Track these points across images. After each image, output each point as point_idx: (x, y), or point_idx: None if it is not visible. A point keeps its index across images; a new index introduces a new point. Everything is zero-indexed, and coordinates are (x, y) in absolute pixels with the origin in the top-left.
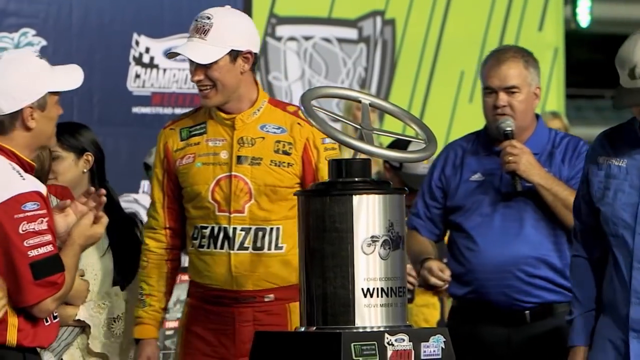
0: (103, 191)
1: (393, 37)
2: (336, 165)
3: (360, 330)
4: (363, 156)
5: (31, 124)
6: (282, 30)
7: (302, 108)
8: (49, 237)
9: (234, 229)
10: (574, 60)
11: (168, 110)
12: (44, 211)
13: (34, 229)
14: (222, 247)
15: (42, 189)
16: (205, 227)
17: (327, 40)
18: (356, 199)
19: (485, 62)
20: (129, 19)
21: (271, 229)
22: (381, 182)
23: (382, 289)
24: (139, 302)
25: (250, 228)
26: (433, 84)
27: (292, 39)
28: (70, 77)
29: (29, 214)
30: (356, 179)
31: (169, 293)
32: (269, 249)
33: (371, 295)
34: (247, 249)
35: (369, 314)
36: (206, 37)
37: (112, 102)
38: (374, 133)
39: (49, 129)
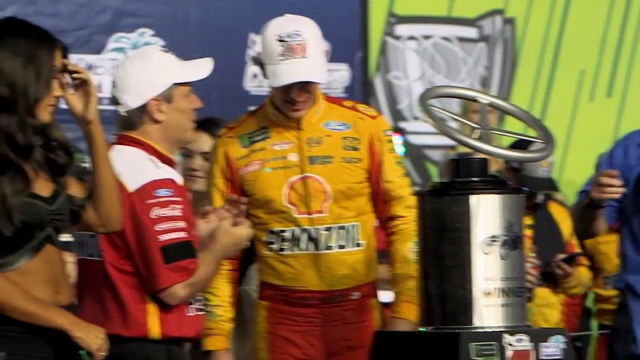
0: (244, 199)
1: (513, 36)
2: (454, 165)
3: (479, 330)
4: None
5: (159, 116)
6: (402, 30)
7: (421, 107)
8: (181, 224)
9: (317, 229)
10: None
11: None
12: (178, 198)
13: (165, 214)
14: (307, 249)
15: (177, 177)
16: (284, 231)
17: (447, 39)
18: (474, 198)
19: None
20: (247, 19)
21: (351, 226)
22: (500, 182)
23: (501, 289)
24: (207, 313)
25: (332, 227)
26: (554, 83)
27: (411, 38)
28: (196, 68)
29: (161, 199)
30: (474, 179)
31: (234, 303)
32: (351, 246)
33: (490, 295)
34: (332, 248)
35: (488, 314)
36: (306, 54)
37: (229, 101)
38: (492, 133)
39: (182, 122)
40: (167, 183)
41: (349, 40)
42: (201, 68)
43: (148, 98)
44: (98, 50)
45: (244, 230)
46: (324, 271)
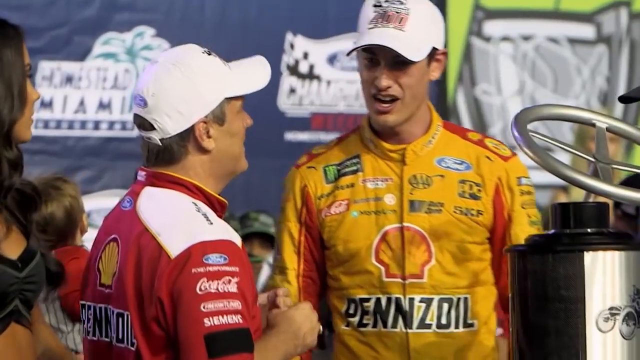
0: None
1: None
2: (562, 212)
3: None
4: (599, 199)
5: (208, 144)
6: (492, 28)
7: (516, 134)
8: (236, 304)
9: (411, 300)
10: None
11: (333, 137)
12: (234, 268)
13: (217, 289)
14: (394, 326)
15: (236, 239)
16: (367, 300)
17: (554, 40)
18: (589, 256)
19: None
20: (282, 14)
21: (458, 299)
22: (624, 235)
23: None
24: None
25: (432, 299)
26: None
27: (506, 38)
28: (251, 74)
29: (211, 269)
30: (589, 230)
31: None
32: (457, 326)
33: None
34: (429, 327)
35: None
36: (404, 26)
37: (259, 125)
38: (613, 168)
39: (235, 148)
40: (222, 246)
41: None
42: (257, 73)
43: (195, 120)
44: (81, 55)
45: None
46: (413, 356)
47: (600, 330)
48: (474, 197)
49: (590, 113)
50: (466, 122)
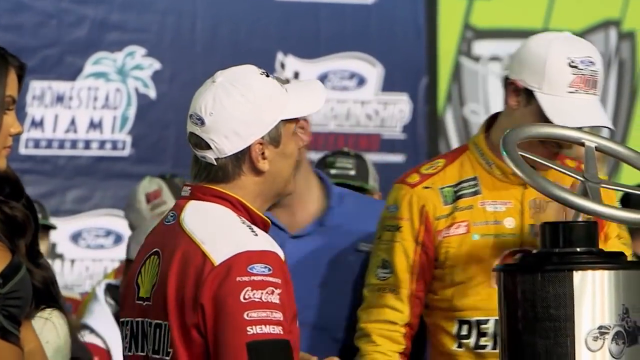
0: None
1: (632, 54)
2: (551, 231)
3: None
4: (587, 218)
5: (263, 165)
6: (482, 48)
7: (504, 153)
8: (279, 316)
9: None
10: None
11: (321, 156)
12: (277, 280)
13: (260, 298)
14: None
15: (280, 252)
16: (485, 322)
17: None
18: (578, 275)
19: None
20: (273, 34)
21: None
22: (613, 254)
23: None
24: None
25: None
26: None
27: (495, 58)
28: (308, 97)
29: (255, 278)
30: (578, 249)
31: None
32: None
33: None
34: None
35: None
36: (597, 91)
37: None
38: (602, 187)
39: (286, 170)
40: (266, 257)
41: (410, 62)
42: (314, 96)
43: (252, 141)
44: (72, 75)
45: None
46: None
47: (589, 349)
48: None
49: (579, 132)
50: (454, 141)
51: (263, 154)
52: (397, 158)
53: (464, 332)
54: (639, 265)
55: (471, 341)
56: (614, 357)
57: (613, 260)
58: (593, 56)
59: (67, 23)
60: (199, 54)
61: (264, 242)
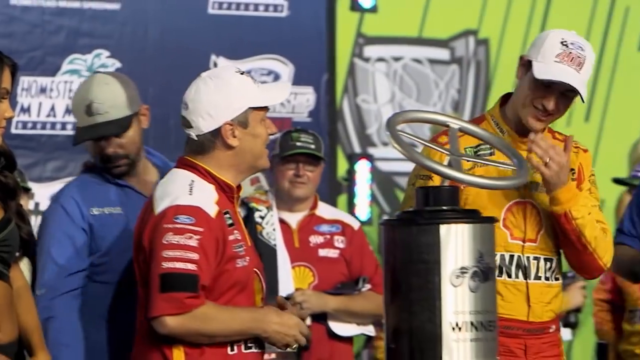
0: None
1: (487, 57)
2: (423, 193)
3: None
4: (452, 183)
5: (232, 142)
6: (371, 51)
7: (388, 133)
8: (193, 256)
9: (528, 258)
10: None
11: None
12: (199, 229)
13: (177, 241)
14: (517, 277)
15: (209, 208)
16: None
17: (418, 61)
18: (444, 228)
19: None
20: (208, 39)
21: (555, 259)
22: (470, 211)
23: (471, 322)
24: None
25: (539, 257)
26: None
27: (381, 59)
28: (274, 92)
29: (178, 226)
30: (444, 208)
31: None
32: (552, 279)
33: (460, 330)
34: (540, 278)
35: (458, 349)
36: (580, 70)
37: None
38: (463, 159)
39: (256, 148)
40: (192, 210)
41: (315, 62)
42: (278, 92)
43: (222, 122)
44: (52, 72)
45: (299, 330)
46: (532, 301)
47: (453, 285)
48: (572, 180)
49: (446, 117)
50: (350, 125)
51: (233, 133)
52: None
53: None
54: (491, 220)
55: None
56: (472, 291)
57: (471, 216)
58: (584, 46)
59: (48, 31)
60: (150, 56)
61: (195, 200)
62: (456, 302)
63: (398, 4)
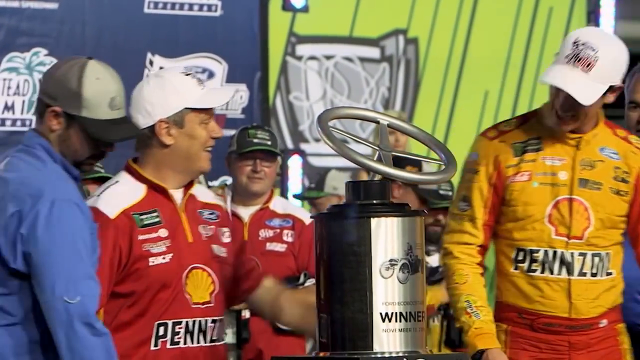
0: None
1: (416, 56)
2: (354, 187)
3: (379, 355)
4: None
5: (167, 140)
6: (303, 50)
7: (319, 129)
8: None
9: (572, 254)
10: None
11: None
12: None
13: None
14: (559, 273)
15: (110, 210)
16: (537, 251)
17: (349, 59)
18: (374, 221)
19: (631, 75)
20: (144, 38)
21: (605, 254)
22: (400, 205)
23: (400, 313)
24: (469, 315)
25: (586, 253)
26: (457, 103)
27: (313, 58)
28: (213, 96)
29: None
30: (374, 202)
31: None
32: (602, 275)
33: (389, 320)
34: (585, 275)
35: (388, 339)
36: (590, 71)
37: None
38: (392, 154)
39: (192, 149)
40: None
41: (248, 60)
42: (218, 96)
43: (157, 119)
44: None
45: None
46: (574, 298)
47: (382, 276)
48: (624, 181)
49: (376, 113)
50: (282, 121)
51: (168, 131)
52: None
53: (520, 257)
54: (419, 213)
55: (525, 265)
56: (401, 283)
57: (400, 210)
58: (599, 46)
59: None
60: (88, 54)
61: (94, 201)
62: (386, 293)
63: (329, 3)
